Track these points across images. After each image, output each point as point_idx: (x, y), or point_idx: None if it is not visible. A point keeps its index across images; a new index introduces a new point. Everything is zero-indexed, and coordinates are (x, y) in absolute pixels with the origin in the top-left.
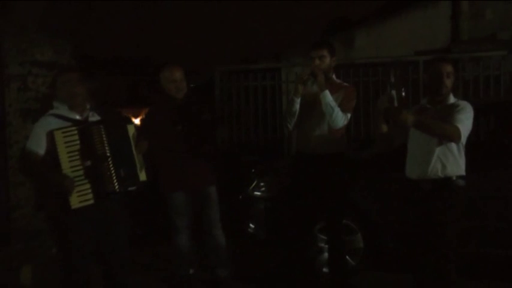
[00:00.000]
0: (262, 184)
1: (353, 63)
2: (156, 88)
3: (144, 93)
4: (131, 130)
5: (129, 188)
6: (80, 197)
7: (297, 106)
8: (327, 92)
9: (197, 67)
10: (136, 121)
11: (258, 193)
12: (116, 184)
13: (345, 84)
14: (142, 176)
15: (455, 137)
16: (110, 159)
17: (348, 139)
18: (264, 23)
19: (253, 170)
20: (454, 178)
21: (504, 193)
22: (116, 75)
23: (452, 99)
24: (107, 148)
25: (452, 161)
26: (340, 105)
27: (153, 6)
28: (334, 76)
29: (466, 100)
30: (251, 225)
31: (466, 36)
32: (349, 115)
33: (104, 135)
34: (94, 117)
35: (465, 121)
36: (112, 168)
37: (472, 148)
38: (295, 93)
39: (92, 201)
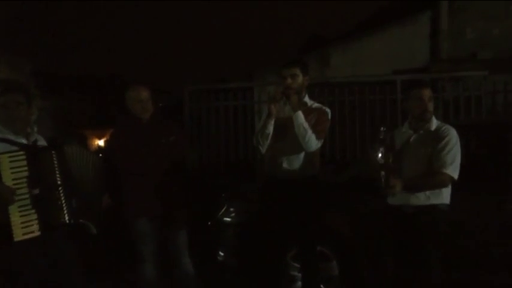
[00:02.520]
0: (232, 209)
1: (328, 82)
2: (122, 108)
3: (111, 113)
4: (89, 156)
5: (83, 220)
6: (25, 229)
7: (271, 128)
8: (300, 113)
9: (167, 86)
10: (101, 142)
11: (228, 219)
12: (66, 215)
13: (318, 105)
14: (98, 206)
15: (447, 184)
16: (60, 188)
17: (323, 162)
18: (236, 40)
19: (223, 195)
20: (438, 204)
21: (486, 221)
22: (81, 93)
23: (435, 123)
24: (58, 176)
25: (437, 192)
26: (313, 127)
27: (121, 23)
28: (307, 96)
29: (446, 121)
30: (221, 252)
31: (446, 55)
32: (323, 137)
33: (55, 162)
34: (42, 142)
35: (454, 161)
36: (63, 198)
37: None
38: (268, 114)
39: (37, 233)
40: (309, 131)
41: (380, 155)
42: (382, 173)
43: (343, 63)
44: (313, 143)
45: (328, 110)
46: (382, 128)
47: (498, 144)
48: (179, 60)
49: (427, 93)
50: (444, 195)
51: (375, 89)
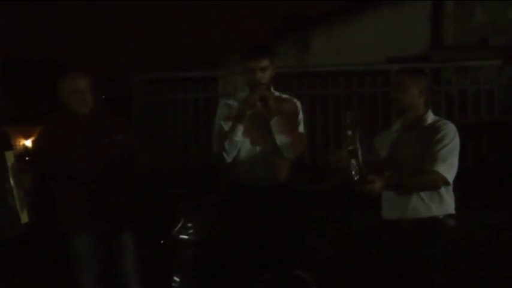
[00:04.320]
0: (190, 225)
1: (308, 72)
2: (55, 100)
3: (41, 107)
4: (10, 158)
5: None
6: None
7: (240, 134)
8: (279, 120)
9: (112, 74)
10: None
11: (186, 236)
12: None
13: (287, 96)
14: (24, 218)
15: (439, 185)
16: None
17: (300, 168)
18: (198, 20)
19: (179, 207)
20: (441, 217)
21: (497, 235)
22: (2, 82)
23: (430, 117)
24: None
25: (438, 200)
26: (293, 130)
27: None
28: (272, 88)
29: (451, 120)
30: (176, 278)
31: (451, 41)
32: (304, 138)
33: None
34: None
35: (447, 159)
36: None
37: (459, 179)
38: (240, 118)
39: None
40: (292, 137)
41: (349, 140)
42: (353, 161)
43: (327, 49)
44: (297, 148)
45: (298, 103)
46: (348, 113)
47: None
48: (128, 43)
49: (421, 82)
50: (448, 204)
51: (364, 80)
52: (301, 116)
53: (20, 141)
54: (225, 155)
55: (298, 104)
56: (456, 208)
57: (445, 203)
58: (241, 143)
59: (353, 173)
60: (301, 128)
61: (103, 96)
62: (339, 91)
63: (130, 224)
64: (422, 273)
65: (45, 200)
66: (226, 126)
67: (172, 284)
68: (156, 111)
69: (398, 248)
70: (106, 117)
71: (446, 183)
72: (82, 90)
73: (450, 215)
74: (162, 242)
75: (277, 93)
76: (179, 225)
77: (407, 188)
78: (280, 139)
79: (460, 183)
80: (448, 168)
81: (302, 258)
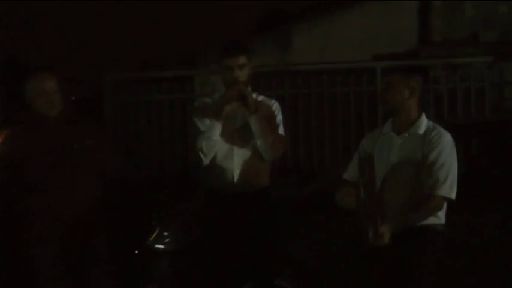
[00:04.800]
0: (166, 234)
1: (290, 70)
2: (20, 102)
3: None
4: None
5: None
6: None
7: (218, 133)
8: (258, 116)
9: (82, 73)
10: None
11: (161, 246)
12: None
13: (263, 97)
14: None
15: (443, 206)
16: None
17: (283, 172)
18: (173, 16)
19: (155, 214)
20: (432, 225)
21: (490, 244)
22: None
23: (424, 123)
24: None
25: None
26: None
27: None
28: (250, 89)
29: (440, 120)
30: None
31: (439, 37)
32: (284, 140)
33: None
34: None
35: (448, 177)
36: None
37: None
38: (218, 116)
39: None
40: (272, 136)
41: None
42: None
43: (309, 46)
44: (277, 149)
45: (277, 104)
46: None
47: (505, 149)
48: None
49: (411, 82)
50: (439, 215)
51: (348, 79)
52: (280, 118)
53: None
54: (202, 156)
55: (277, 105)
56: (447, 213)
57: (437, 214)
58: (218, 145)
59: (369, 232)
60: (281, 130)
61: (72, 98)
62: (323, 90)
63: (102, 233)
64: (413, 281)
65: (7, 208)
66: (202, 126)
67: None
68: (128, 114)
69: (387, 255)
70: (76, 121)
71: (450, 200)
72: (50, 91)
73: (441, 225)
74: (136, 251)
75: (254, 95)
76: (155, 233)
77: (413, 223)
78: (259, 140)
79: None
80: (450, 188)
81: (285, 267)
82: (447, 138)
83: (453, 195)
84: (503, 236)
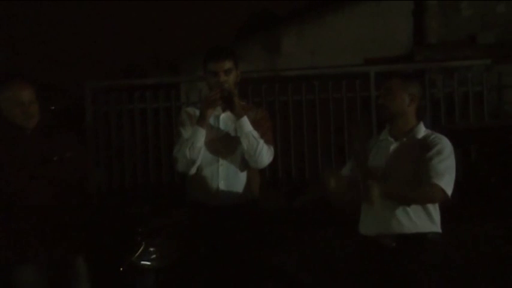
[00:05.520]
0: (152, 249)
1: (279, 76)
2: None
3: None
4: None
5: None
6: None
7: (203, 140)
8: (246, 119)
9: (61, 82)
10: None
11: (147, 262)
12: None
13: (252, 105)
14: None
15: (438, 199)
16: None
17: (274, 183)
18: (157, 22)
19: (140, 230)
20: (427, 233)
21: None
22: None
23: (422, 130)
24: None
25: (425, 217)
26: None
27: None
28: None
29: (437, 126)
30: None
31: (435, 39)
32: (272, 147)
33: None
34: None
35: (446, 173)
36: None
37: None
38: (201, 121)
39: None
40: (261, 141)
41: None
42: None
43: (299, 50)
44: (266, 155)
45: (265, 111)
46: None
47: (505, 156)
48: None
49: (410, 88)
50: (434, 221)
51: (341, 84)
52: (268, 125)
53: None
54: (186, 165)
55: (265, 112)
56: (445, 222)
57: (432, 220)
58: (202, 153)
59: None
60: (269, 137)
61: (51, 108)
62: (314, 97)
63: (83, 250)
64: None
65: None
66: (186, 134)
67: None
68: (110, 123)
69: (380, 265)
70: (55, 132)
71: (445, 196)
72: (26, 101)
73: (437, 233)
74: (121, 269)
75: (244, 102)
76: (140, 250)
77: (405, 199)
78: (246, 145)
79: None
80: (448, 183)
81: (274, 281)
82: (446, 142)
83: (449, 191)
84: (504, 246)
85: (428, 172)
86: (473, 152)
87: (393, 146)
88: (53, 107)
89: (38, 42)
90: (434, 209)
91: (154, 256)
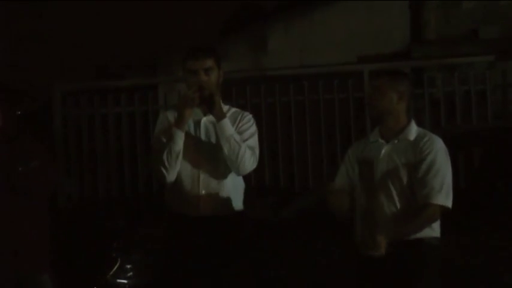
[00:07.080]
0: (129, 266)
1: (266, 76)
2: None
3: None
4: None
5: None
6: None
7: (181, 143)
8: (227, 121)
9: (27, 85)
10: None
11: (123, 280)
12: None
13: (235, 109)
14: None
15: (439, 215)
16: None
17: (261, 192)
18: (133, 19)
19: (115, 244)
20: (426, 239)
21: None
22: None
23: (414, 130)
24: None
25: None
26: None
27: None
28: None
29: (436, 129)
30: None
31: (433, 35)
32: (257, 153)
33: None
34: None
35: (443, 185)
36: None
37: None
38: (179, 122)
39: None
40: (243, 145)
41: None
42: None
43: (287, 48)
44: (249, 160)
45: (250, 115)
46: None
47: (511, 159)
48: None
49: (397, 86)
50: (433, 227)
51: (332, 84)
52: (253, 129)
53: None
54: (164, 171)
55: (250, 116)
56: (448, 231)
57: (431, 226)
58: (181, 158)
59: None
60: (254, 141)
61: (17, 113)
62: (303, 98)
63: (49, 267)
64: None
65: None
66: (164, 139)
67: None
68: (82, 129)
69: (376, 272)
70: (20, 140)
71: (446, 209)
72: None
73: (435, 238)
74: (94, 287)
75: (226, 108)
76: (115, 266)
77: (413, 232)
78: (227, 150)
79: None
80: (446, 196)
81: None
82: (439, 145)
83: (449, 204)
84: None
85: (424, 189)
86: (476, 156)
87: (384, 150)
88: (18, 112)
89: (4, 41)
90: None
91: (130, 274)
